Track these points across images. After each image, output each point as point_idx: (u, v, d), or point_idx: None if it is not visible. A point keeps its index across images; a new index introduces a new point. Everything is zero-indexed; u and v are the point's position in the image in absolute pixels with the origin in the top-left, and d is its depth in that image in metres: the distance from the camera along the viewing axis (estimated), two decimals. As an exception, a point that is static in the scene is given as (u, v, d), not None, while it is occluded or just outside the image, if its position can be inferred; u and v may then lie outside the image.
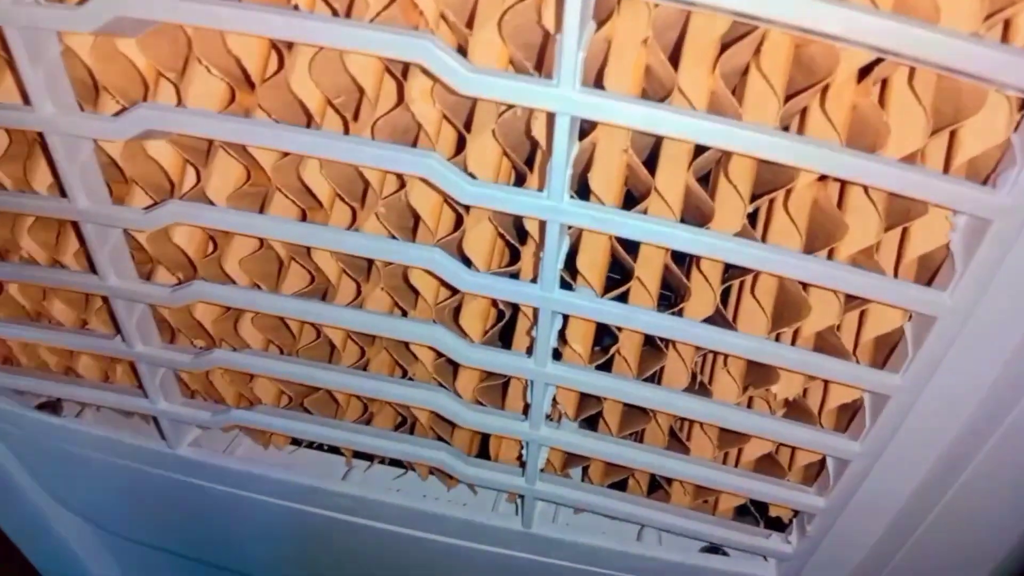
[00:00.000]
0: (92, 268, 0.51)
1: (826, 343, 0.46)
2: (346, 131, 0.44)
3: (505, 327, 0.51)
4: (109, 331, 0.57)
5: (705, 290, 0.45)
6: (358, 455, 0.65)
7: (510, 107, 0.41)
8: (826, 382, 0.48)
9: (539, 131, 0.41)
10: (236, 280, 0.50)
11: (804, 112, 0.41)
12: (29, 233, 0.53)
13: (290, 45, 0.42)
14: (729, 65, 0.38)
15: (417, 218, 0.47)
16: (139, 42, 0.43)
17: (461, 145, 0.45)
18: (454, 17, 0.40)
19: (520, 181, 0.46)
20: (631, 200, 0.44)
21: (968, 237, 0.39)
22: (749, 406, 0.50)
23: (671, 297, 0.53)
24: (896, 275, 0.42)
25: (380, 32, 0.37)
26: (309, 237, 0.45)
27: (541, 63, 0.41)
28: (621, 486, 0.58)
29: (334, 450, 0.65)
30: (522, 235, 0.47)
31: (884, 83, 0.39)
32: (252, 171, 0.47)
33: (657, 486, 0.57)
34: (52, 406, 0.67)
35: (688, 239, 0.40)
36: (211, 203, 0.47)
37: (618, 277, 0.47)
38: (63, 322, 0.59)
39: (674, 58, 0.40)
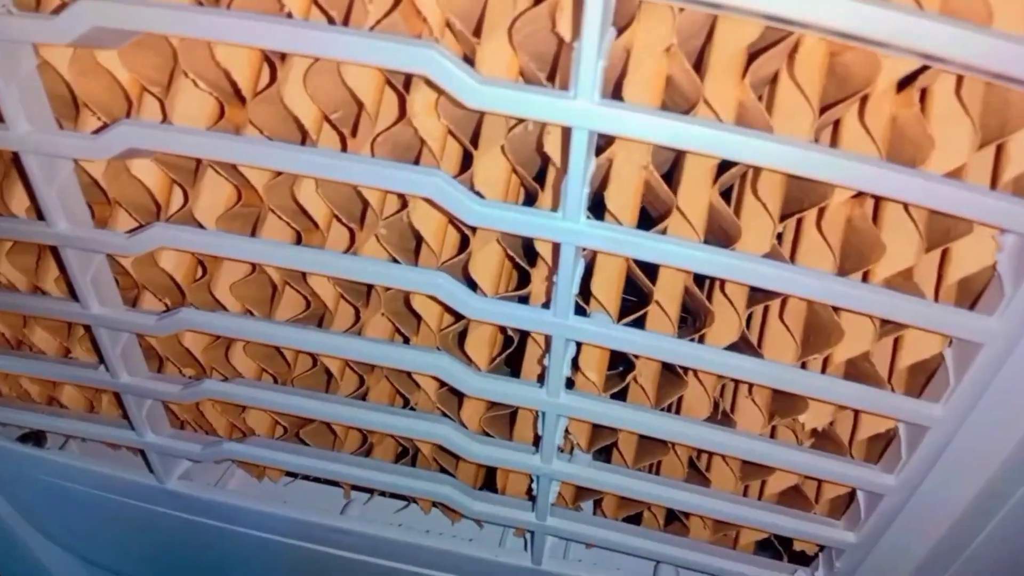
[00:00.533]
0: (73, 295, 0.48)
1: (858, 369, 0.43)
2: (344, 148, 0.41)
3: (513, 350, 0.48)
4: (93, 360, 0.54)
5: (729, 314, 0.42)
6: (357, 487, 0.62)
7: (520, 121, 0.38)
8: (857, 411, 0.45)
9: (552, 147, 0.38)
10: (227, 306, 0.47)
11: (837, 124, 0.38)
12: (7, 257, 0.50)
13: (283, 56, 0.39)
14: (758, 74, 0.35)
15: (419, 238, 0.44)
16: (121, 54, 0.40)
17: (467, 161, 0.42)
18: (460, 25, 0.37)
19: (530, 199, 0.43)
20: (645, 216, 0.41)
21: (1017, 258, 0.36)
22: (773, 435, 0.47)
23: (689, 318, 0.50)
24: (936, 298, 0.40)
25: (381, 41, 0.34)
26: (305, 262, 0.42)
27: (553, 74, 0.39)
28: (636, 519, 0.54)
29: (332, 481, 0.62)
30: (531, 255, 0.44)
31: (923, 93, 0.36)
32: (243, 191, 0.44)
33: (674, 518, 0.54)
34: (35, 437, 0.64)
35: (714, 262, 0.37)
36: (200, 225, 0.44)
37: (634, 299, 0.44)
38: (45, 351, 0.56)
39: (697, 67, 0.37)
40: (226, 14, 0.36)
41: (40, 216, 0.44)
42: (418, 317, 0.47)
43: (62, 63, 0.40)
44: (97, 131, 0.41)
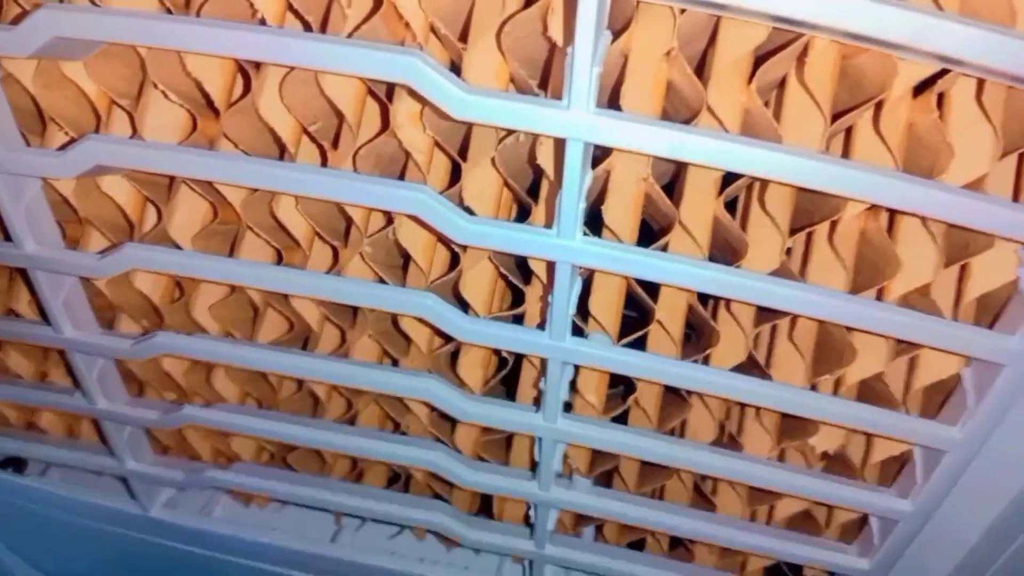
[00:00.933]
0: (45, 318, 0.46)
1: (872, 390, 0.40)
2: (324, 161, 0.39)
3: (510, 368, 0.45)
4: (70, 384, 0.52)
5: (736, 334, 0.39)
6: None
7: (512, 131, 0.36)
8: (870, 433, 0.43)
9: (545, 158, 0.36)
10: (206, 328, 0.45)
11: (849, 130, 0.36)
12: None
13: (258, 65, 0.36)
14: (765, 79, 0.33)
15: (407, 255, 0.41)
16: (87, 65, 0.38)
17: (456, 172, 0.39)
18: (446, 29, 0.34)
19: (523, 211, 0.41)
20: (646, 228, 0.38)
21: (1042, 272, 0.34)
22: (782, 459, 0.45)
23: (693, 333, 0.48)
24: (955, 315, 0.37)
25: (359, 49, 0.32)
26: (286, 283, 0.40)
27: (546, 80, 0.36)
28: (639, 544, 0.52)
29: (322, 506, 0.60)
30: (526, 271, 0.41)
31: (942, 97, 0.34)
32: (219, 207, 0.41)
33: (679, 543, 0.52)
34: (15, 463, 0.61)
35: (719, 281, 0.35)
36: (175, 244, 0.41)
37: (634, 315, 0.42)
38: (21, 374, 0.54)
39: (700, 70, 0.35)
40: (195, 22, 0.34)
41: (7, 237, 0.42)
42: (407, 338, 0.44)
43: (26, 75, 0.38)
44: (64, 147, 0.39)
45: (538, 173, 0.38)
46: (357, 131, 0.37)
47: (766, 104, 0.37)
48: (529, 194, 0.39)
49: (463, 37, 0.35)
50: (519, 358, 0.45)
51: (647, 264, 0.35)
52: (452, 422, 0.47)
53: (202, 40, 0.33)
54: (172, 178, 0.41)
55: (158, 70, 0.36)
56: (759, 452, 0.43)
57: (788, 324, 0.40)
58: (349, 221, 0.40)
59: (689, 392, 0.42)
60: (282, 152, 0.39)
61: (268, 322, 0.45)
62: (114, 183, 0.41)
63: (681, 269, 0.35)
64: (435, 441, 0.48)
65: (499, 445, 0.48)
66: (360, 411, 0.49)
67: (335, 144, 0.39)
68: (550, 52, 0.35)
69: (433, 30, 0.35)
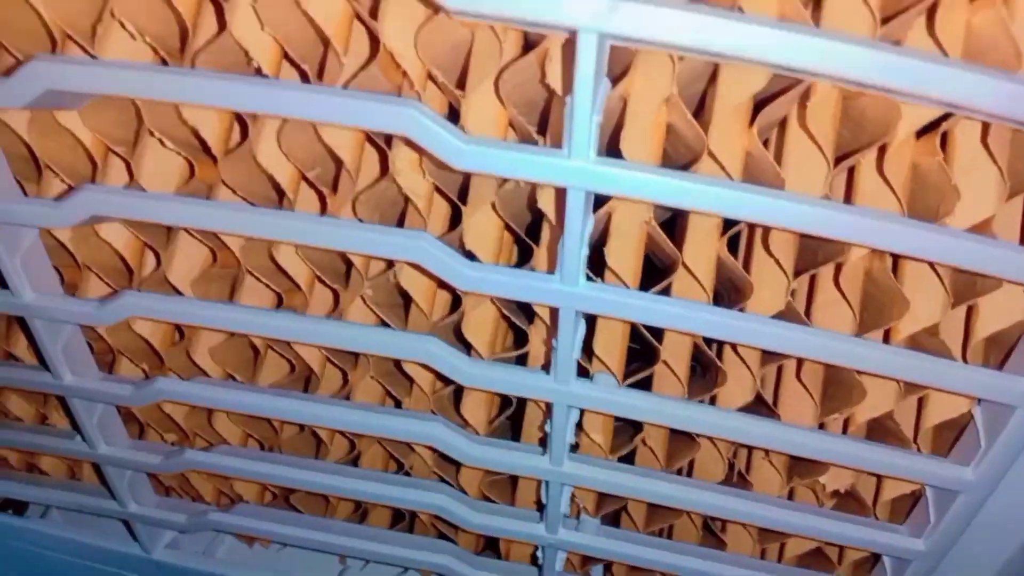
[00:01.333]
0: (44, 363, 0.45)
1: (882, 427, 0.40)
2: (323, 207, 0.39)
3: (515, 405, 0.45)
4: (70, 427, 0.51)
5: (743, 374, 0.39)
6: (353, 549, 0.59)
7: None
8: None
9: (546, 203, 0.35)
10: (207, 371, 0.44)
11: (852, 168, 0.35)
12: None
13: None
14: (766, 121, 0.33)
15: (408, 295, 0.41)
16: (82, 114, 0.37)
17: (456, 213, 0.39)
18: (443, 77, 0.34)
19: (523, 251, 0.40)
20: (648, 264, 0.38)
21: (1053, 313, 0.33)
22: (791, 497, 0.44)
23: (699, 367, 0.47)
24: (964, 352, 0.37)
25: (356, 101, 0.32)
26: (287, 330, 0.40)
27: (545, 121, 0.36)
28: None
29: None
30: (528, 310, 0.41)
31: (945, 137, 0.33)
32: (218, 252, 0.41)
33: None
34: (15, 505, 0.61)
35: (725, 325, 0.34)
36: (175, 288, 0.41)
37: (637, 347, 0.41)
38: (21, 417, 0.53)
39: (699, 110, 0.35)
40: (190, 74, 0.33)
41: (4, 285, 0.42)
42: (410, 378, 0.44)
43: (20, 124, 0.38)
44: (61, 196, 0.38)
45: (538, 214, 0.38)
46: (356, 176, 0.37)
47: (766, 143, 0.37)
48: (529, 233, 0.39)
49: (460, 83, 0.35)
50: (523, 399, 0.44)
51: (652, 310, 0.35)
52: (457, 462, 0.47)
53: (198, 92, 0.33)
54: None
55: (154, 118, 0.36)
56: (769, 490, 0.43)
57: (795, 363, 0.39)
58: (349, 264, 0.40)
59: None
60: (281, 197, 0.38)
61: (269, 363, 0.45)
62: (112, 229, 0.41)
63: (687, 315, 0.35)
64: (440, 482, 0.47)
65: (505, 484, 0.48)
66: (363, 452, 0.48)
67: (335, 188, 0.38)
68: (549, 96, 0.35)
69: (431, 77, 0.34)
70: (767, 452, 0.42)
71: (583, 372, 0.40)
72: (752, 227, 0.38)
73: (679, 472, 0.43)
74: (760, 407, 0.40)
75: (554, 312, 0.37)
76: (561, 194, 0.32)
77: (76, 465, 0.56)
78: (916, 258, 0.32)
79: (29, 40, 0.36)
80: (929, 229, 0.31)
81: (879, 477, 0.43)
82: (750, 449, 0.44)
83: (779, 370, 0.42)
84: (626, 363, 0.40)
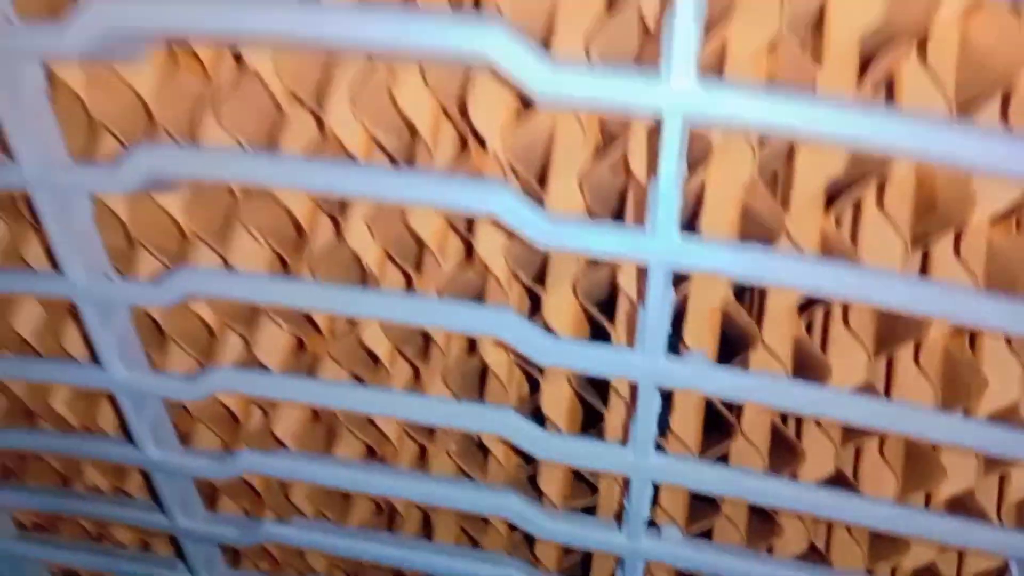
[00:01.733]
0: (128, 436, 0.47)
1: (963, 505, 0.39)
2: (408, 286, 0.40)
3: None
4: (146, 498, 0.53)
5: (823, 449, 0.39)
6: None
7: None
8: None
9: (627, 281, 0.37)
10: (286, 444, 0.46)
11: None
12: (62, 398, 0.49)
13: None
14: (843, 205, 0.34)
15: (483, 374, 0.42)
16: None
17: (532, 293, 0.40)
18: (524, 172, 0.36)
19: (595, 329, 0.41)
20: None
21: None
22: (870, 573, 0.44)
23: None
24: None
25: (447, 184, 0.33)
26: (369, 403, 0.41)
27: (621, 206, 0.37)
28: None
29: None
30: (600, 389, 0.42)
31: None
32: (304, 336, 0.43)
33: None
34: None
35: (811, 398, 0.35)
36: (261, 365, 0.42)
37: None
38: (99, 487, 0.55)
39: (773, 184, 0.36)
40: (286, 160, 0.35)
41: (94, 359, 0.43)
42: (485, 452, 0.44)
43: (118, 205, 0.40)
44: (155, 278, 0.40)
45: (611, 289, 0.39)
46: (442, 259, 0.38)
47: (838, 222, 0.37)
48: (602, 309, 0.40)
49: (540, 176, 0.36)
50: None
51: (732, 384, 0.35)
52: (531, 539, 0.47)
53: (293, 177, 0.35)
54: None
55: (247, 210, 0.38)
56: (851, 566, 0.42)
57: (877, 445, 0.39)
58: (427, 339, 0.41)
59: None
60: (364, 278, 0.40)
61: (344, 442, 0.46)
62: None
63: (768, 386, 0.35)
64: (511, 557, 0.47)
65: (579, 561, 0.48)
66: (437, 526, 0.48)
67: (418, 267, 0.40)
68: (625, 180, 0.36)
69: (512, 170, 0.36)
70: (849, 531, 0.42)
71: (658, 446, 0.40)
72: (828, 310, 0.38)
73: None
74: (841, 483, 0.40)
75: (633, 388, 0.37)
76: (642, 272, 0.33)
77: (149, 537, 0.57)
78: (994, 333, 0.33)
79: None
80: (1009, 301, 0.32)
81: (959, 556, 0.42)
82: (829, 529, 0.44)
83: (857, 453, 0.42)
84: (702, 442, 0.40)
